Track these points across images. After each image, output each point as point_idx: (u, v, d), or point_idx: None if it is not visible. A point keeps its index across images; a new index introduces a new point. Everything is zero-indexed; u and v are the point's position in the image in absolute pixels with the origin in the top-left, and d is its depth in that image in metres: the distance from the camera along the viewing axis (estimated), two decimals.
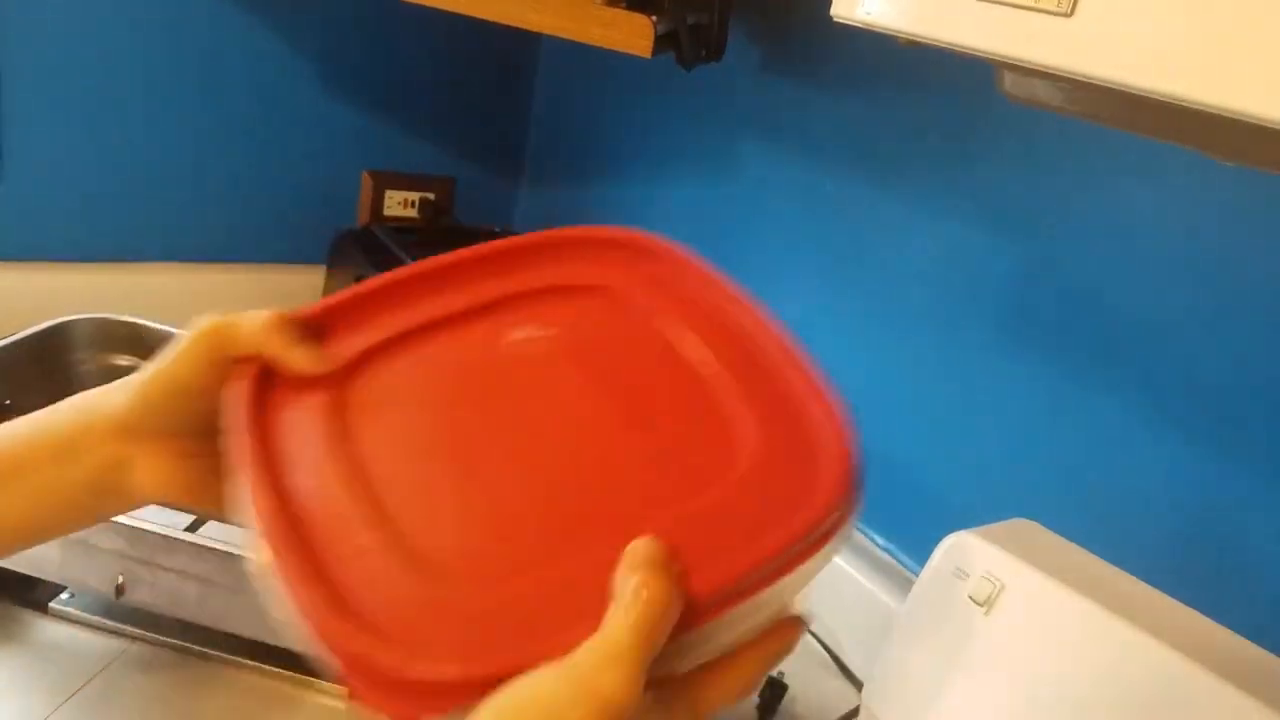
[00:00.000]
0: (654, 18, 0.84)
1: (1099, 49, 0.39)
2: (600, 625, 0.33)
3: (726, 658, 0.39)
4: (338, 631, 0.35)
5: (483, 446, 0.43)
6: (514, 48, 1.31)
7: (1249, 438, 0.65)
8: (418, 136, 1.29)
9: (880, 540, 0.91)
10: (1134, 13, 0.38)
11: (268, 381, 0.43)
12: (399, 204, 1.28)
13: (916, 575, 0.69)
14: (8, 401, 0.88)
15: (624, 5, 0.85)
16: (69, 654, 0.73)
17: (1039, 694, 0.60)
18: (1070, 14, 0.40)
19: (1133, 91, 0.38)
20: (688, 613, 0.35)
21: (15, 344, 0.87)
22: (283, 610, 0.37)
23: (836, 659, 0.87)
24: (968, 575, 0.64)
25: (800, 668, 0.84)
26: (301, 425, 0.42)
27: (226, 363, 0.44)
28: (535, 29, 0.86)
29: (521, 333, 0.47)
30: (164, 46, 1.09)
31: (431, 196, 1.29)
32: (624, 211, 1.20)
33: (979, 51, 0.44)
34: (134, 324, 0.95)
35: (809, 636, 0.89)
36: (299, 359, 0.44)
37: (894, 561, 0.89)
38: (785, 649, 0.41)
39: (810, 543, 0.41)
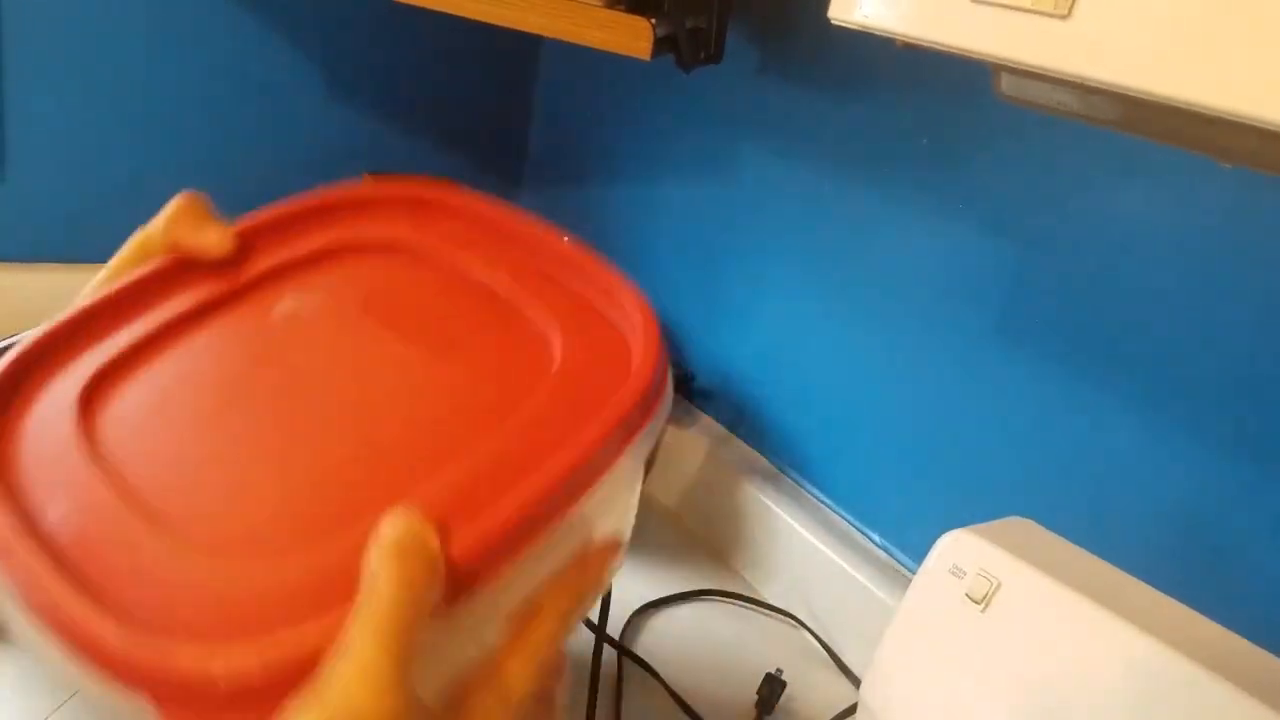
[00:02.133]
0: (653, 20, 0.85)
1: (1096, 51, 0.39)
2: (346, 633, 0.29)
3: (529, 618, 0.35)
4: (133, 649, 0.30)
5: (263, 422, 0.39)
6: (514, 50, 1.31)
7: (1248, 437, 0.65)
8: (418, 137, 1.30)
9: (877, 538, 0.91)
10: (1131, 14, 0.38)
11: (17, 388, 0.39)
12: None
13: (913, 573, 0.69)
14: None
15: (623, 8, 0.85)
16: None
17: (1036, 692, 0.60)
18: (1067, 16, 0.40)
19: (1130, 93, 0.39)
20: (458, 580, 0.32)
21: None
22: (54, 660, 0.31)
23: (834, 656, 0.87)
24: (964, 573, 0.64)
25: (798, 664, 0.85)
26: (47, 443, 0.37)
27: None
28: (535, 31, 0.86)
29: (287, 304, 0.45)
30: (165, 47, 1.09)
31: None
32: (623, 211, 1.20)
33: (976, 54, 0.44)
34: None
35: (806, 633, 0.90)
36: (202, 239, 0.44)
37: (890, 559, 0.89)
38: (593, 584, 0.37)
39: (594, 464, 0.38)
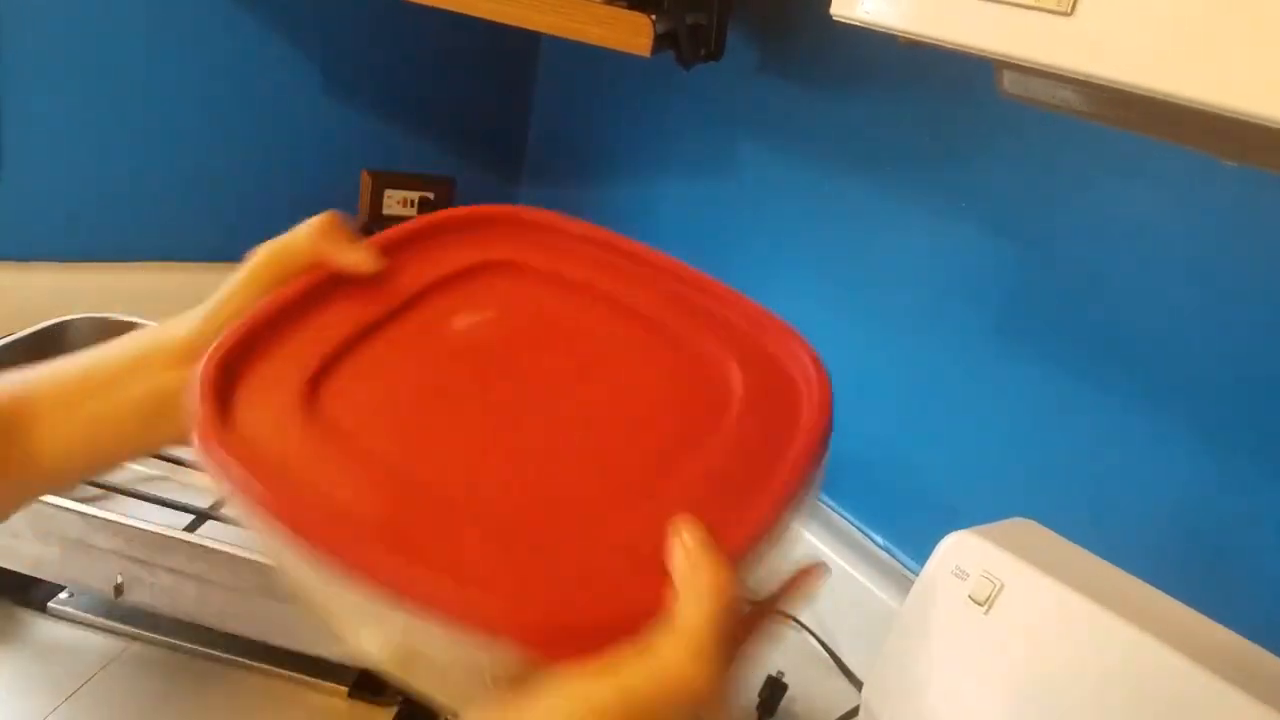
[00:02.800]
0: (653, 17, 0.84)
1: (1099, 48, 0.39)
2: (674, 616, 0.35)
3: (755, 609, 0.40)
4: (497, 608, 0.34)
5: (485, 429, 0.42)
6: (514, 47, 1.31)
7: (1249, 437, 0.65)
8: (417, 136, 1.29)
9: (879, 539, 0.91)
10: (1134, 12, 0.38)
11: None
12: (398, 203, 1.28)
13: (916, 575, 0.69)
14: None
15: (623, 4, 0.85)
16: (68, 654, 0.73)
17: (1038, 693, 0.60)
18: (1070, 13, 0.40)
19: (1133, 91, 0.38)
20: None
21: (15, 344, 0.87)
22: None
23: (836, 658, 0.87)
24: (967, 575, 0.64)
25: (800, 667, 0.84)
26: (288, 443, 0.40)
27: (289, 279, 0.45)
28: (535, 28, 0.86)
29: (463, 319, 0.47)
30: (164, 46, 1.09)
31: (431, 196, 1.29)
32: (622, 209, 1.20)
33: (978, 50, 0.44)
34: (134, 324, 0.95)
35: (808, 636, 0.89)
36: (353, 258, 0.46)
37: (893, 561, 0.89)
38: (808, 593, 0.42)
39: (808, 472, 0.41)
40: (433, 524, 0.37)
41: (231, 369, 0.41)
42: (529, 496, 0.39)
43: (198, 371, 0.40)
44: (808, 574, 0.43)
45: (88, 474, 0.49)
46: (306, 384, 0.41)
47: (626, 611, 0.35)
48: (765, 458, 0.41)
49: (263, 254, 0.46)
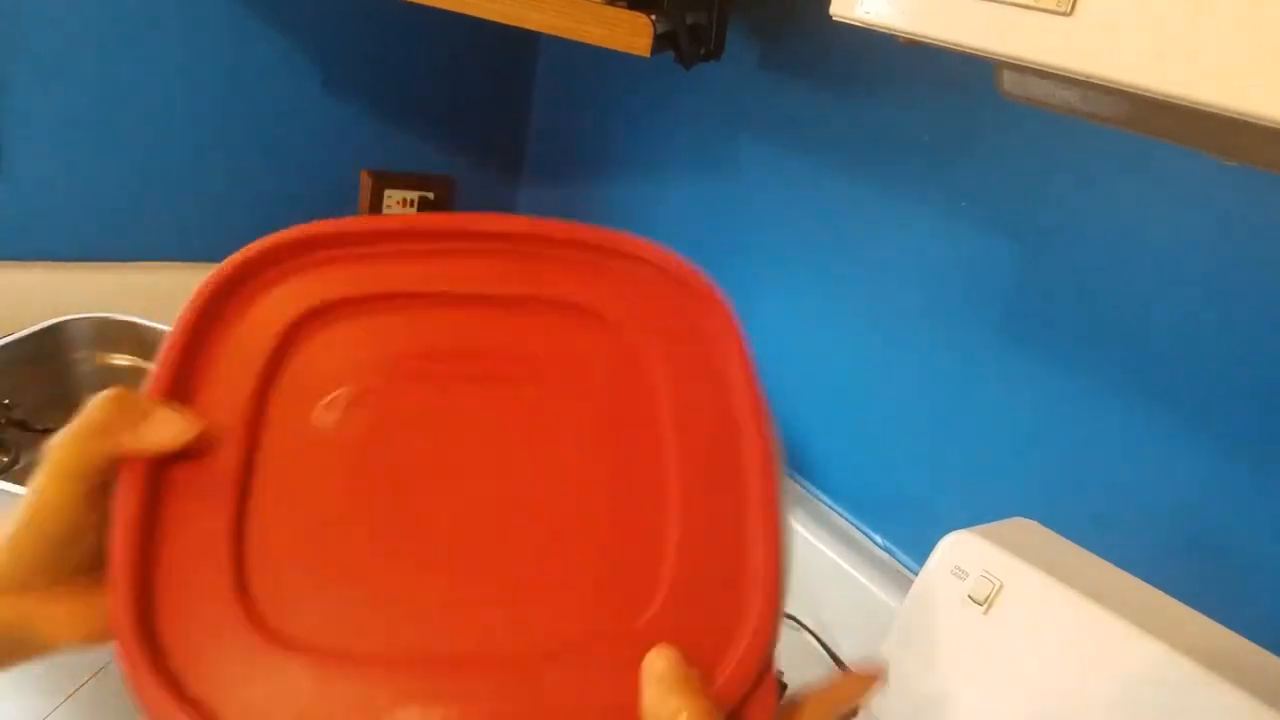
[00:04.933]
0: (653, 17, 0.84)
1: (1099, 48, 0.39)
2: None
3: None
4: None
5: (423, 557, 0.36)
6: (513, 47, 1.31)
7: (1249, 437, 0.65)
8: (417, 136, 1.29)
9: (879, 539, 0.91)
10: (1134, 11, 0.38)
11: (155, 477, 0.35)
12: (398, 203, 1.28)
13: (915, 574, 0.69)
14: (7, 401, 0.88)
15: (623, 4, 0.85)
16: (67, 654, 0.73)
17: (1038, 693, 0.60)
18: (1070, 13, 0.40)
19: (1133, 91, 0.38)
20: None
21: (15, 343, 0.87)
22: None
23: (835, 658, 0.87)
24: (966, 574, 0.64)
25: (800, 667, 0.84)
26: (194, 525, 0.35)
27: (94, 484, 0.36)
28: (534, 28, 0.86)
29: (322, 417, 0.38)
30: (164, 46, 1.09)
31: (431, 196, 1.29)
32: (623, 209, 1.20)
33: (978, 50, 0.44)
34: (134, 323, 0.95)
35: (808, 636, 0.89)
36: (160, 434, 0.36)
37: (893, 560, 0.89)
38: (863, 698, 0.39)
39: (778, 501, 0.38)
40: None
41: (141, 607, 0.35)
42: (531, 623, 0.35)
43: (114, 623, 0.34)
44: (865, 677, 0.39)
45: None
46: (233, 593, 0.35)
47: None
48: (725, 444, 0.37)
49: (52, 465, 0.37)
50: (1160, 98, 0.38)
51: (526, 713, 0.33)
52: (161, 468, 0.36)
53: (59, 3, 1.02)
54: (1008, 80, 0.55)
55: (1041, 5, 0.40)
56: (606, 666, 0.34)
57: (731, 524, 0.36)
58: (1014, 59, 0.42)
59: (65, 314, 0.93)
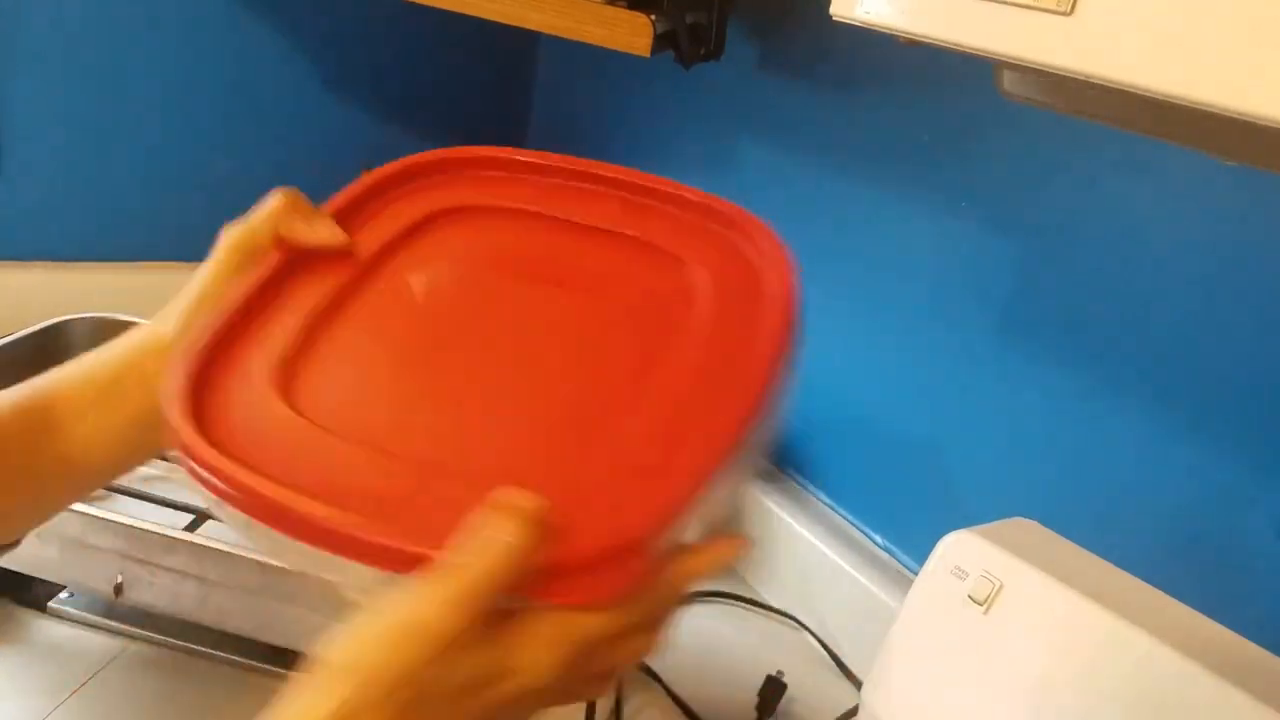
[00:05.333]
0: (653, 17, 0.84)
1: (1099, 48, 0.39)
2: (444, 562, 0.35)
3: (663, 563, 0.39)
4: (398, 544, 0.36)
5: (458, 384, 0.43)
6: (513, 46, 1.31)
7: (1249, 437, 0.65)
8: (417, 135, 1.29)
9: (879, 539, 0.91)
10: (1134, 12, 0.38)
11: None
12: (361, 178, 1.28)
13: (915, 574, 0.69)
14: None
15: (623, 4, 0.85)
16: (68, 653, 0.73)
17: (1038, 693, 0.60)
18: (1070, 13, 0.40)
19: (1133, 91, 0.38)
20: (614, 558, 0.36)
21: (15, 343, 0.87)
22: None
23: (835, 658, 0.87)
24: (966, 574, 0.64)
25: (799, 667, 0.84)
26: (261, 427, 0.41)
27: (254, 261, 0.45)
28: (534, 28, 0.86)
29: (419, 278, 0.47)
30: (164, 46, 1.09)
31: None
32: None
33: (979, 50, 0.44)
34: (134, 323, 0.94)
35: (808, 635, 0.89)
36: (317, 233, 0.46)
37: (893, 560, 0.89)
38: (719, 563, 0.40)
39: (778, 374, 0.42)
40: (418, 493, 0.38)
41: (202, 373, 0.41)
42: (510, 444, 0.40)
43: (168, 383, 0.40)
44: (729, 542, 0.41)
45: (116, 474, 0.50)
46: (278, 375, 0.42)
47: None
48: (738, 357, 0.42)
49: (227, 239, 0.47)
50: (1160, 98, 0.38)
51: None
52: (295, 269, 0.46)
53: (59, 3, 1.02)
54: (1008, 80, 0.55)
55: (1041, 5, 0.40)
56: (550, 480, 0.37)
57: (701, 415, 0.40)
58: (1014, 59, 0.42)
59: (65, 314, 0.93)
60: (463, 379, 0.43)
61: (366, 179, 0.51)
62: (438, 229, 0.49)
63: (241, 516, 0.37)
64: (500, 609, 0.36)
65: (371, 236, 0.48)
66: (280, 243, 0.46)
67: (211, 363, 0.42)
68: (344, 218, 0.48)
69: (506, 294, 0.47)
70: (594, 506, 0.37)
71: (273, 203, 0.46)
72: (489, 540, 0.35)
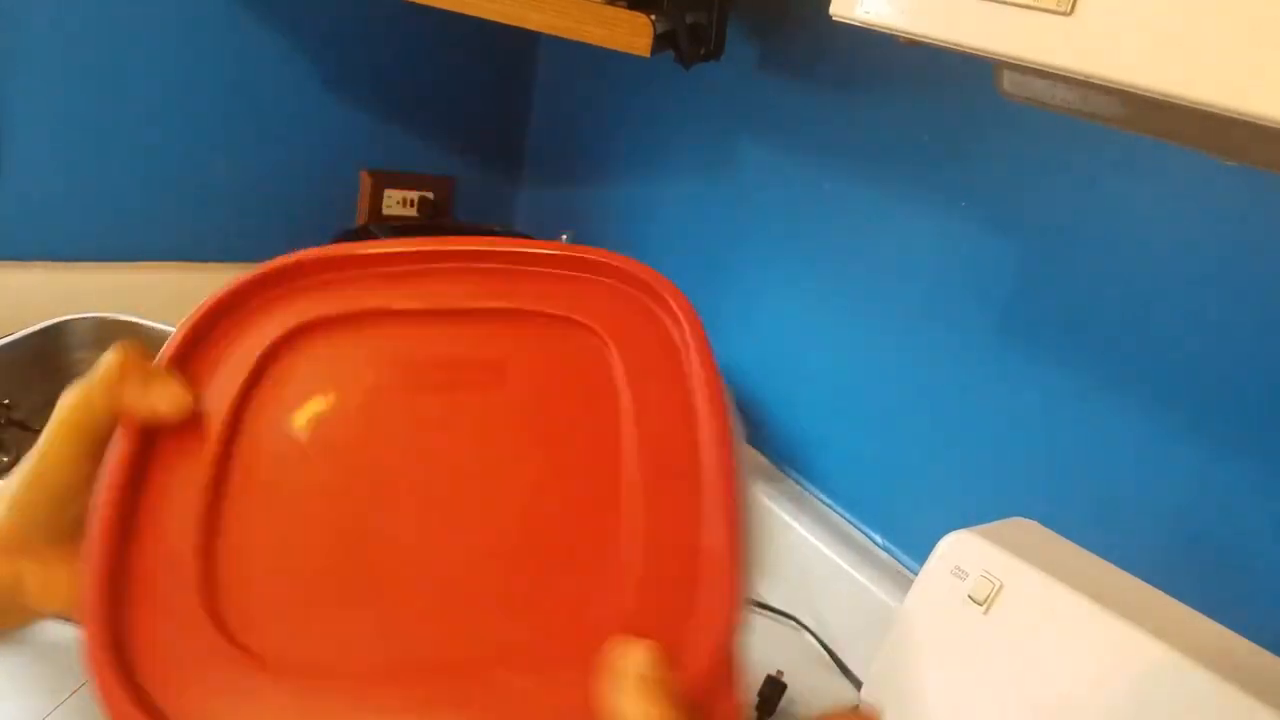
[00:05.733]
0: (653, 17, 0.84)
1: (1099, 48, 0.39)
2: None
3: None
4: None
5: (393, 560, 0.37)
6: (513, 47, 1.31)
7: (1249, 437, 0.65)
8: (417, 135, 1.29)
9: (879, 539, 0.91)
10: (1134, 12, 0.38)
11: (145, 452, 0.37)
12: (398, 203, 1.28)
13: (915, 574, 0.69)
14: (7, 401, 0.87)
15: (623, 4, 0.85)
16: (68, 654, 0.73)
17: (1037, 693, 0.60)
18: (1070, 13, 0.40)
19: (1133, 91, 0.38)
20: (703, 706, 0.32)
21: (15, 343, 0.87)
22: None
23: (835, 658, 0.87)
24: (966, 574, 0.64)
25: (799, 667, 0.84)
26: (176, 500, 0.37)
27: (97, 441, 0.38)
28: (534, 28, 0.86)
29: (299, 417, 0.40)
30: (164, 46, 1.09)
31: (431, 195, 1.29)
32: (622, 208, 1.20)
33: (978, 50, 0.44)
34: (134, 323, 0.95)
35: (808, 635, 0.89)
36: (156, 401, 0.39)
37: (893, 560, 0.89)
38: None
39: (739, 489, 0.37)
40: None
41: (114, 626, 0.35)
42: (490, 626, 0.35)
43: (82, 619, 0.35)
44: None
45: None
46: (199, 593, 0.36)
47: None
48: (682, 437, 0.37)
49: (60, 418, 0.39)
50: (1160, 98, 0.38)
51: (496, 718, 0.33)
52: (151, 444, 0.38)
53: (59, 3, 1.02)
54: (1008, 80, 0.55)
55: (1041, 5, 0.40)
56: (576, 667, 0.33)
57: (690, 514, 0.36)
58: (1014, 59, 0.42)
59: (65, 314, 0.93)
60: (411, 529, 0.37)
61: (198, 311, 0.42)
62: (302, 354, 0.42)
63: None
64: None
65: (226, 381, 0.41)
66: (122, 418, 0.39)
67: (113, 606, 0.35)
68: (187, 363, 0.41)
69: (410, 410, 0.40)
70: (660, 634, 0.33)
71: (103, 370, 0.39)
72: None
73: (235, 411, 0.40)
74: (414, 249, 0.44)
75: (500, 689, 0.33)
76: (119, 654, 0.34)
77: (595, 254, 0.43)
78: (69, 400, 0.39)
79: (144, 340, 0.93)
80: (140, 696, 0.33)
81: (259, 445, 0.39)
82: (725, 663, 0.33)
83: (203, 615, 0.35)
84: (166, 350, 0.40)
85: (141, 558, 0.36)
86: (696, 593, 0.34)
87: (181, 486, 0.38)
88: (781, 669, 0.81)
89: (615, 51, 0.85)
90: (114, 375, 0.39)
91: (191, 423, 0.39)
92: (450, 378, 0.41)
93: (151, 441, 0.38)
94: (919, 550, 0.81)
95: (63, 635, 0.74)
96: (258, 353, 0.41)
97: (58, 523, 0.38)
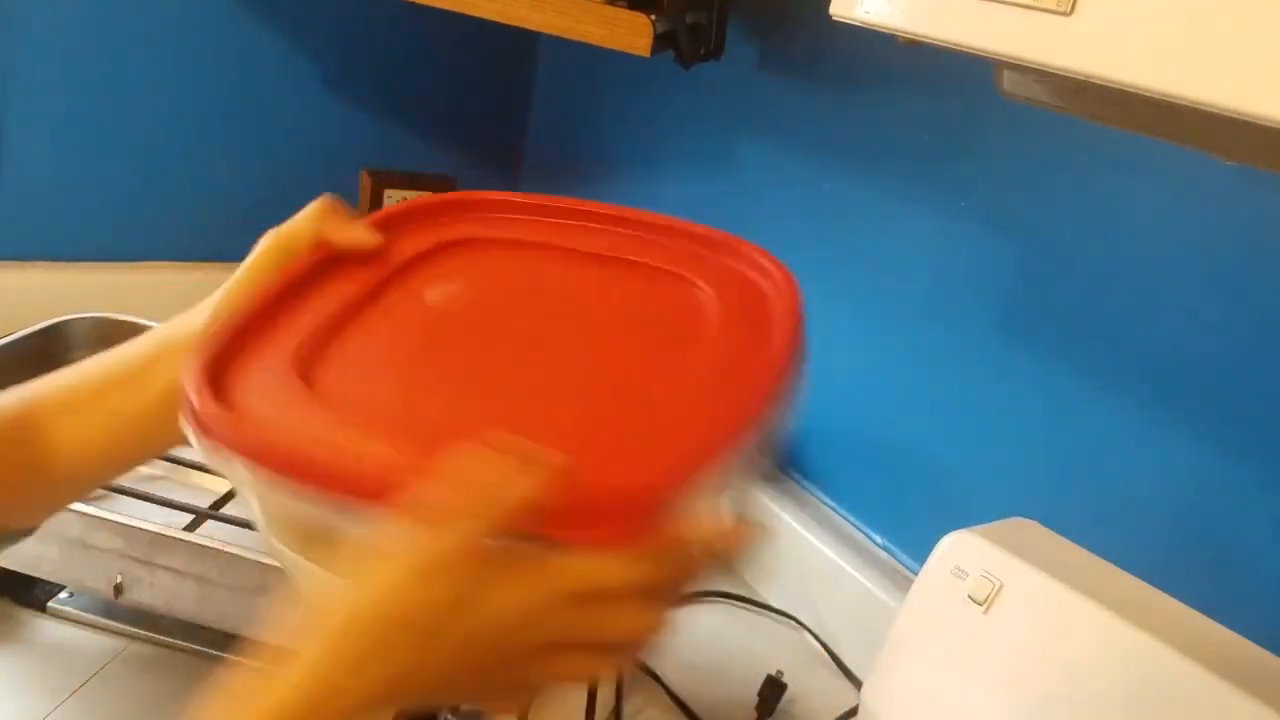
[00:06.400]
0: (653, 16, 0.84)
1: (1099, 48, 0.39)
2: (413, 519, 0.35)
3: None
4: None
5: (470, 380, 0.44)
6: (513, 46, 1.31)
7: (1249, 437, 0.65)
8: (416, 135, 1.29)
9: (879, 539, 0.91)
10: (1134, 12, 0.38)
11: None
12: (398, 203, 1.28)
13: (915, 574, 0.69)
14: None
15: (623, 4, 0.85)
16: (67, 653, 0.73)
17: (1037, 693, 0.60)
18: (1070, 13, 0.40)
19: (1133, 91, 0.38)
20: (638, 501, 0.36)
21: (15, 343, 0.87)
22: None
23: (835, 658, 0.87)
24: (966, 574, 0.64)
25: (799, 667, 0.84)
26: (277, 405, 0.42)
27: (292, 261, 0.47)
28: (534, 28, 0.86)
29: (436, 291, 0.50)
30: (164, 46, 1.09)
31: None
32: None
33: (979, 50, 0.44)
34: (133, 323, 0.94)
35: (808, 635, 0.89)
36: (351, 235, 0.48)
37: (893, 560, 0.89)
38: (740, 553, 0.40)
39: (786, 379, 0.44)
40: (433, 453, 0.38)
41: (223, 356, 0.42)
42: (527, 418, 0.41)
43: (189, 362, 0.41)
44: (745, 527, 0.39)
45: (108, 475, 0.50)
46: (298, 359, 0.43)
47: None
48: (744, 365, 0.43)
49: (267, 240, 0.48)
50: (1160, 98, 0.38)
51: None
52: (324, 270, 0.48)
53: (59, 3, 1.02)
54: (1008, 80, 0.55)
55: (1041, 5, 0.40)
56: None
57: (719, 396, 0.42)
58: (1014, 59, 0.42)
59: (65, 314, 0.93)
60: (478, 369, 0.44)
61: (393, 208, 0.54)
62: (455, 253, 0.52)
63: (247, 470, 0.37)
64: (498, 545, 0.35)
65: (397, 250, 0.51)
66: (318, 244, 0.48)
67: (232, 345, 0.43)
68: (383, 228, 0.51)
69: (520, 305, 0.49)
70: (609, 461, 0.38)
71: (314, 206, 0.49)
72: (501, 486, 0.34)
73: (400, 269, 0.49)
74: (555, 204, 0.55)
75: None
76: (214, 380, 0.41)
77: (718, 234, 0.53)
78: (274, 231, 0.48)
79: None
80: (222, 401, 0.40)
81: (404, 294, 0.48)
82: (635, 494, 0.36)
83: (293, 372, 0.42)
84: (370, 216, 0.51)
85: (268, 329, 0.44)
86: (663, 442, 0.39)
87: (329, 299, 0.46)
88: (781, 669, 0.81)
89: (615, 51, 0.85)
90: (324, 207, 0.48)
91: (362, 265, 0.49)
92: (563, 292, 0.50)
93: (327, 267, 0.48)
94: (919, 550, 0.81)
95: (63, 635, 0.74)
96: (435, 241, 0.52)
97: None
